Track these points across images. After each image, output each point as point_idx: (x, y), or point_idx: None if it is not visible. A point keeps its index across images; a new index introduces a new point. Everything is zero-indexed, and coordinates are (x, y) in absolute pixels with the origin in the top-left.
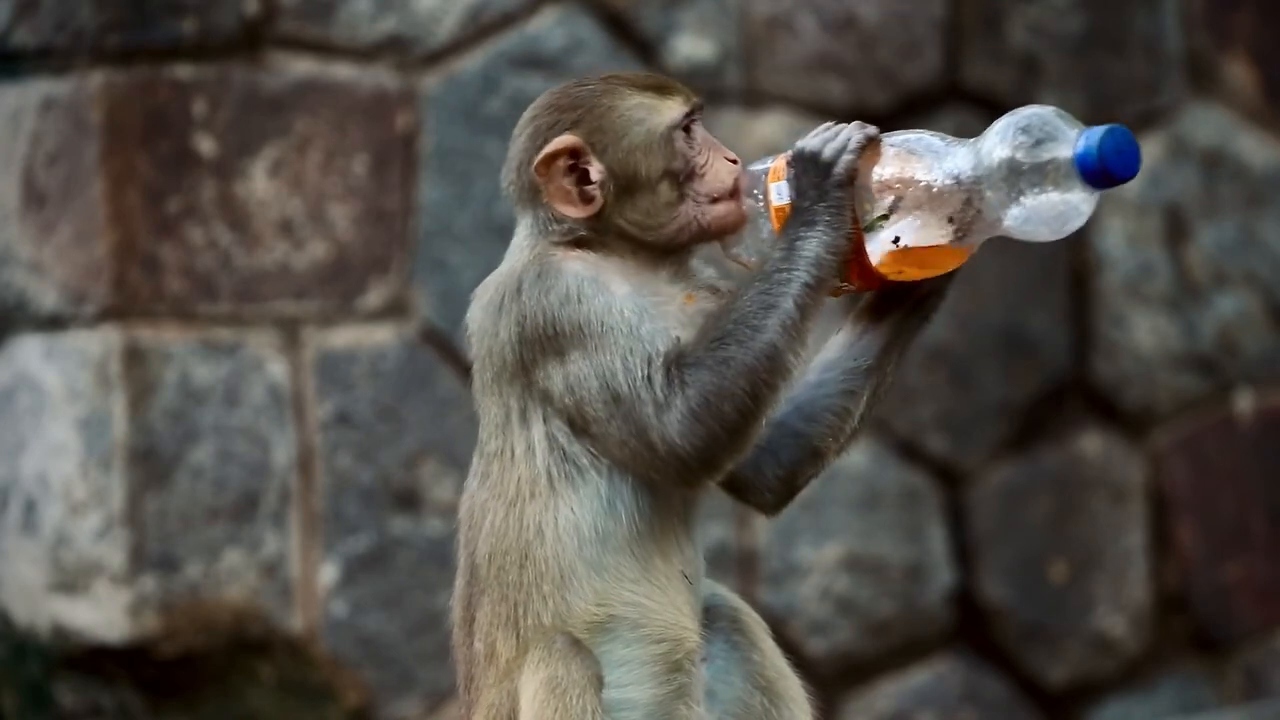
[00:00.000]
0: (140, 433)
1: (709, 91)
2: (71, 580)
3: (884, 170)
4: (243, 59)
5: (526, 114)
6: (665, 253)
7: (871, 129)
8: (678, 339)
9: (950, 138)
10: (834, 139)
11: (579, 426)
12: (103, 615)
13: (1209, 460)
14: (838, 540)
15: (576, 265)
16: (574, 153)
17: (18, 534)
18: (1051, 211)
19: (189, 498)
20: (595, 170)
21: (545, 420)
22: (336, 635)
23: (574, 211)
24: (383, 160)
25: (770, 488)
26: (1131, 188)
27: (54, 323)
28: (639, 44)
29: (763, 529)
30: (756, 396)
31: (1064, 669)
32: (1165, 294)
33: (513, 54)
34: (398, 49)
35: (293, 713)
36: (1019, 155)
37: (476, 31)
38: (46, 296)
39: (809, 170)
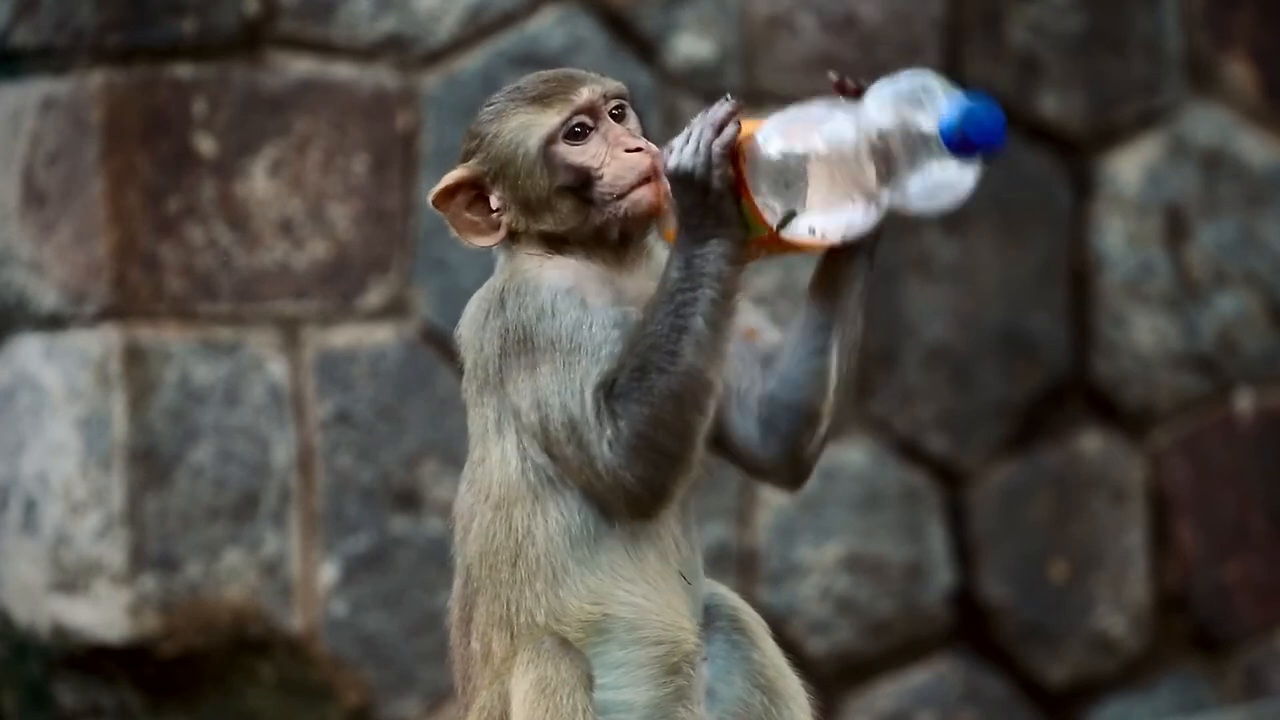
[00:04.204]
0: (140, 432)
1: (709, 92)
2: (71, 580)
3: (775, 147)
4: (243, 59)
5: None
6: (622, 243)
7: (728, 126)
8: None
9: (825, 102)
10: (697, 152)
11: (543, 444)
12: (103, 615)
13: (1209, 460)
14: (838, 540)
15: (554, 276)
16: (473, 184)
17: (18, 534)
18: (934, 183)
19: (189, 497)
20: (495, 198)
21: (517, 432)
22: (336, 635)
23: (483, 241)
24: (383, 160)
25: (780, 463)
26: (1132, 187)
27: (54, 322)
28: (639, 44)
29: (763, 529)
30: (687, 420)
31: (1064, 669)
32: (1165, 294)
33: (513, 54)
34: (398, 49)
35: (293, 713)
36: (896, 125)
37: (476, 31)
38: (46, 296)
39: (686, 190)
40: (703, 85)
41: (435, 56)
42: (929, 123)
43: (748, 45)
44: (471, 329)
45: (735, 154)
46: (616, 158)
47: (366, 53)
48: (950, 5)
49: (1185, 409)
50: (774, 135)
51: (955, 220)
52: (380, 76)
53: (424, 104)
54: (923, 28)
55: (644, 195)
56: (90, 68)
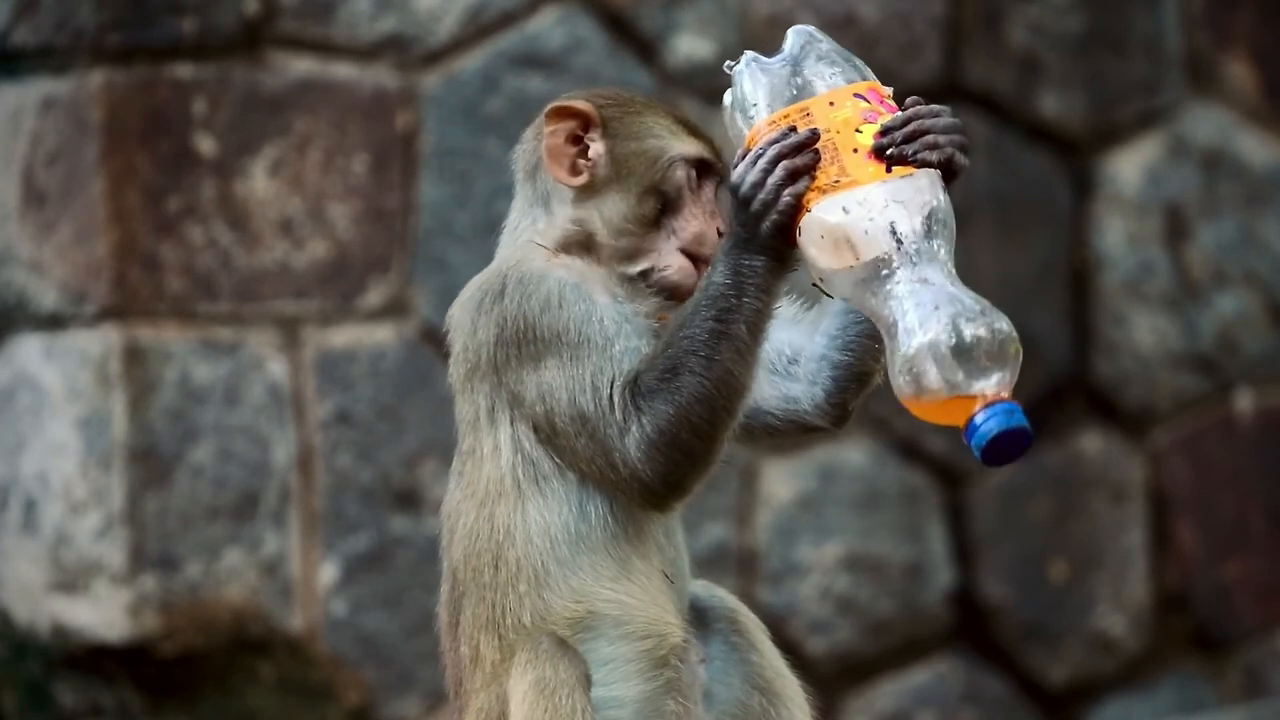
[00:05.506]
0: (140, 432)
1: (709, 91)
2: (71, 580)
3: (837, 232)
4: (243, 59)
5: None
6: (634, 278)
7: (802, 179)
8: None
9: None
10: (763, 186)
11: (546, 435)
12: (103, 615)
13: (1209, 460)
14: (838, 540)
15: (560, 272)
16: (587, 123)
17: (18, 533)
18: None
19: (189, 497)
20: (595, 149)
21: (512, 422)
22: (336, 635)
23: (560, 173)
24: (383, 160)
25: (825, 412)
26: (1132, 187)
27: (54, 322)
28: (639, 44)
29: (763, 529)
30: (715, 423)
31: (1064, 669)
32: (1165, 294)
33: (513, 53)
34: (398, 48)
35: (293, 712)
36: (937, 357)
37: (476, 31)
38: (46, 296)
39: (742, 208)
40: (703, 85)
41: (435, 56)
42: (968, 386)
43: (748, 45)
44: (466, 310)
45: (799, 207)
46: (708, 225)
47: (366, 53)
48: (950, 5)
49: (1185, 409)
50: (846, 223)
51: (955, 219)
52: (380, 76)
53: (424, 104)
54: (923, 28)
55: (687, 272)
56: (90, 68)
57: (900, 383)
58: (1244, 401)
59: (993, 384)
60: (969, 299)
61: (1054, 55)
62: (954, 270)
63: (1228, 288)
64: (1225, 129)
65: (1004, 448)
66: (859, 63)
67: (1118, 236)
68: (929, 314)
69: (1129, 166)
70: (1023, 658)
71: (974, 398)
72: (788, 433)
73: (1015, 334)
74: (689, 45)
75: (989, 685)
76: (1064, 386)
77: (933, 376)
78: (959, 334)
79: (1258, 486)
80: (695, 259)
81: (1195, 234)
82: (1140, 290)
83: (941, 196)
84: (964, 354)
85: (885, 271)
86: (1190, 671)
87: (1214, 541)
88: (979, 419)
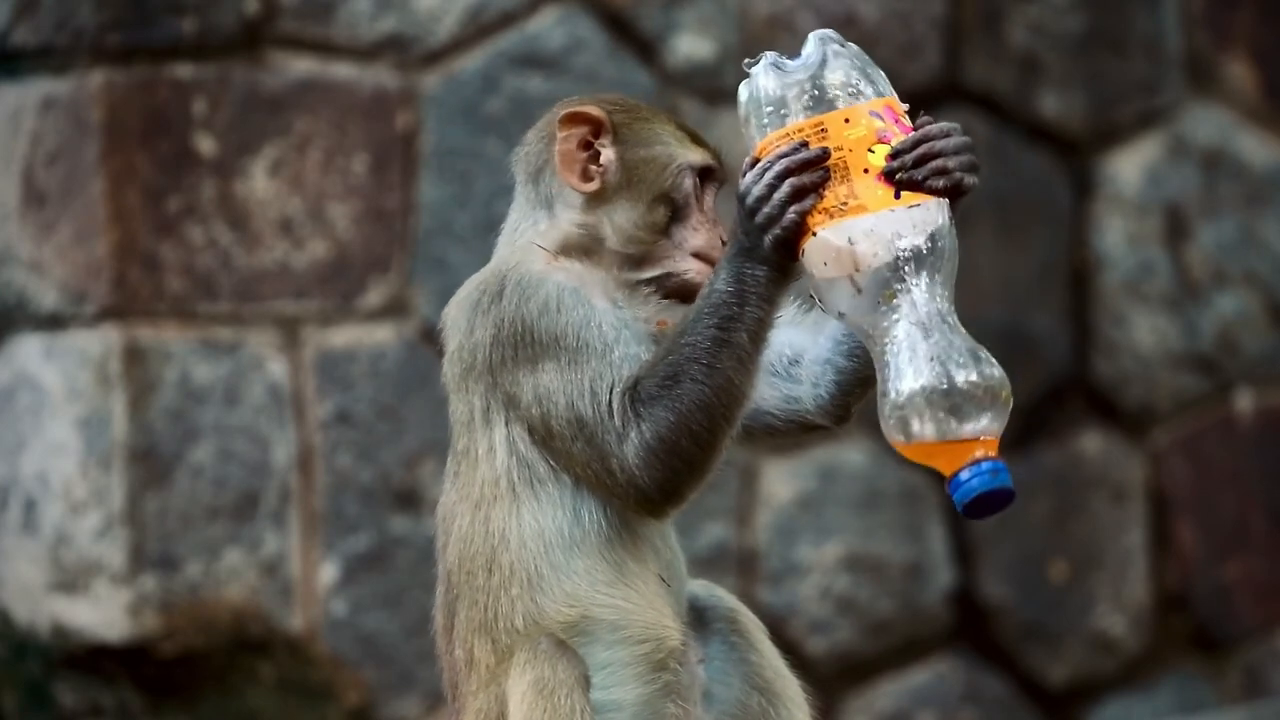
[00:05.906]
0: (140, 432)
1: (709, 91)
2: (71, 580)
3: (837, 252)
4: (243, 59)
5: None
6: (643, 283)
7: (809, 196)
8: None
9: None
10: (769, 200)
11: (541, 438)
12: (103, 615)
13: (1209, 460)
14: (838, 540)
15: (559, 275)
16: (598, 129)
17: (18, 533)
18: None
19: (189, 497)
20: (606, 155)
21: (507, 423)
22: (336, 635)
23: (572, 179)
24: (383, 160)
25: (828, 412)
26: (1132, 187)
27: (54, 322)
28: (639, 44)
29: (763, 529)
30: (714, 430)
31: (1064, 669)
32: (1165, 294)
33: (513, 53)
34: (398, 48)
35: (293, 712)
36: (931, 400)
37: (476, 31)
38: (46, 296)
39: (746, 220)
40: (703, 85)
41: (435, 56)
42: (957, 430)
43: (748, 45)
44: (462, 310)
45: (803, 224)
46: (712, 230)
47: (366, 53)
48: (950, 5)
49: (1185, 409)
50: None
51: (956, 220)
52: (380, 76)
53: (424, 104)
54: (923, 28)
55: (703, 273)
56: (90, 68)
57: (889, 426)
58: (1244, 401)
59: (982, 426)
60: (961, 341)
61: (1054, 55)
62: (952, 306)
63: (1228, 288)
64: (1225, 129)
65: (986, 505)
66: (879, 74)
67: (1118, 236)
68: (920, 358)
69: (1129, 166)
70: (1023, 658)
71: (962, 443)
72: (789, 432)
73: (1006, 379)
74: (689, 45)
75: (989, 685)
76: (1064, 386)
77: (921, 423)
78: (950, 380)
79: (1258, 486)
80: (708, 262)
81: (1195, 234)
82: (1140, 290)
83: (945, 224)
84: (953, 400)
85: (884, 307)
86: (1190, 671)
87: (1214, 541)
88: (964, 476)
